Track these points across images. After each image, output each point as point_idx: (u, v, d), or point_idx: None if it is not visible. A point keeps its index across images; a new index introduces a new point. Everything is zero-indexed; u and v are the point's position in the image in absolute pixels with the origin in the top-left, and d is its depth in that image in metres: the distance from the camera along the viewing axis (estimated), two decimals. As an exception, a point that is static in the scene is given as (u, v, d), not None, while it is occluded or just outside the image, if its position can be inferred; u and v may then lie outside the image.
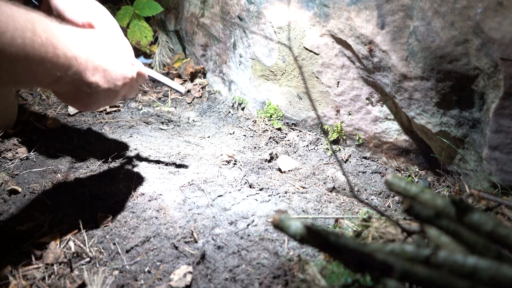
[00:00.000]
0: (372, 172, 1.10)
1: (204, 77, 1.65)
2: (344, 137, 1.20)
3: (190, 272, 0.71)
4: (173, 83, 1.01)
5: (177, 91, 1.01)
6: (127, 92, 0.81)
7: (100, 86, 0.70)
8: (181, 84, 1.62)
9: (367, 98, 1.11)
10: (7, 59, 0.51)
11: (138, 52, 1.73)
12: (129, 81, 0.77)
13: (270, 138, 1.25)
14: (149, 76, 0.94)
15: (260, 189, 0.99)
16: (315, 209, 0.91)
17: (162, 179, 1.01)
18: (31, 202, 0.89)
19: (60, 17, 0.81)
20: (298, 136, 1.26)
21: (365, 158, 1.17)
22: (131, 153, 1.13)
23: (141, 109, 1.43)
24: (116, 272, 0.72)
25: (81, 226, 0.82)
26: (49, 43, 0.57)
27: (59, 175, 0.99)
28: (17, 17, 0.52)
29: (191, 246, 0.78)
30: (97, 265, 0.73)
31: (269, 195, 0.96)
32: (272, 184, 1.01)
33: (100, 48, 0.70)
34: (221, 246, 0.77)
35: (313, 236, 0.52)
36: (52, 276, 0.71)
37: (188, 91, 1.58)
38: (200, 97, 1.55)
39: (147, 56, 1.77)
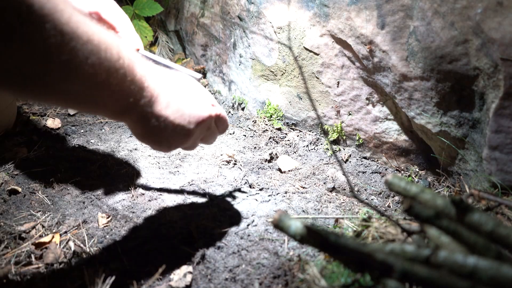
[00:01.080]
0: (372, 172, 1.10)
1: (204, 77, 1.65)
2: (344, 137, 1.20)
3: (190, 272, 0.71)
4: (187, 70, 1.00)
5: (193, 77, 1.01)
6: (205, 135, 0.75)
7: (171, 121, 0.65)
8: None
9: (367, 98, 1.11)
10: (90, 67, 0.50)
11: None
12: (205, 123, 0.70)
13: (270, 138, 1.25)
14: (158, 62, 0.88)
15: (260, 189, 0.99)
16: (315, 209, 0.91)
17: (162, 179, 1.01)
18: (31, 202, 0.89)
19: None
20: (298, 136, 1.26)
21: (365, 158, 1.17)
22: (131, 153, 1.13)
23: (141, 109, 1.43)
24: (116, 272, 0.72)
25: (81, 226, 0.82)
26: (130, 68, 0.56)
27: (59, 175, 0.99)
28: (106, 35, 0.52)
29: (191, 246, 0.78)
30: (97, 265, 0.73)
31: (269, 195, 0.96)
32: (272, 184, 1.01)
33: (176, 84, 0.68)
34: (221, 246, 0.77)
35: (313, 236, 0.52)
36: (52, 276, 0.71)
37: (188, 91, 1.58)
38: (200, 97, 1.55)
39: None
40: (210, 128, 0.74)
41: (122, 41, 0.56)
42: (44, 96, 0.52)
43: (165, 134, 0.66)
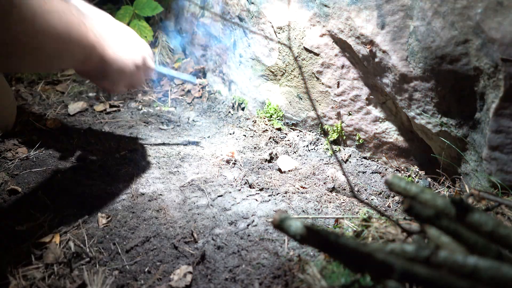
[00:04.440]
0: (372, 172, 1.10)
1: (204, 77, 1.65)
2: (344, 137, 1.20)
3: (190, 272, 0.71)
4: (184, 75, 1.11)
5: (190, 82, 1.12)
6: (136, 79, 0.97)
7: (115, 64, 0.87)
8: (181, 84, 1.62)
9: (367, 98, 1.11)
10: (56, 34, 0.68)
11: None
12: (138, 67, 0.94)
13: (270, 138, 1.25)
14: (160, 72, 1.10)
15: (260, 189, 0.99)
16: (315, 209, 0.91)
17: (162, 179, 1.01)
18: (31, 202, 0.89)
19: None
20: (298, 136, 1.26)
21: (365, 158, 1.17)
22: (131, 153, 1.13)
23: (141, 109, 1.43)
24: (116, 272, 0.72)
25: (81, 226, 0.82)
26: (85, 28, 0.75)
27: (59, 175, 0.99)
28: (66, 7, 0.70)
29: (191, 246, 0.78)
30: (97, 265, 0.73)
31: (269, 195, 0.96)
32: (272, 184, 1.01)
33: (115, 32, 0.89)
34: (221, 246, 0.77)
35: (313, 236, 0.52)
36: (52, 276, 0.71)
37: (188, 91, 1.58)
38: (200, 97, 1.55)
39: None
40: (139, 74, 0.97)
41: (76, 7, 0.75)
42: (27, 61, 0.69)
43: (113, 75, 0.89)
